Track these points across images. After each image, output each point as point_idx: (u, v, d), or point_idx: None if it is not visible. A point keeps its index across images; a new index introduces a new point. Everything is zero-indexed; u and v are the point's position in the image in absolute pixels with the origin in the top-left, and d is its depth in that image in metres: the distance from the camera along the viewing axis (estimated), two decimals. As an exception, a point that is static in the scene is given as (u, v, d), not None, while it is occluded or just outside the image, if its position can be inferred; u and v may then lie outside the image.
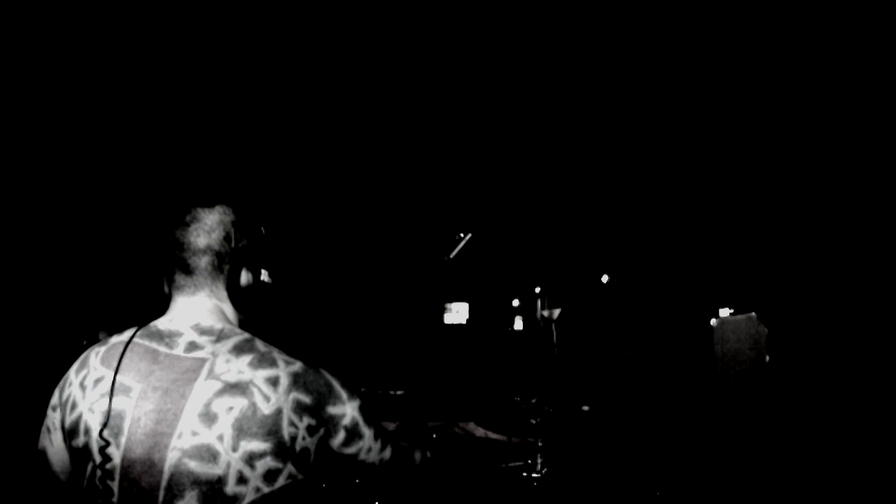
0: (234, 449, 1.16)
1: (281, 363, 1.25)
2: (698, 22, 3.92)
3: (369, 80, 4.41)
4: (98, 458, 1.21)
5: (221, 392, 1.19)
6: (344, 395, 1.30)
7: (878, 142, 4.07)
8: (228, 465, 1.16)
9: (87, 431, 1.23)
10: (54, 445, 1.33)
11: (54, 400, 1.35)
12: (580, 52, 4.22)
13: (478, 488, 2.80)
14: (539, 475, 2.83)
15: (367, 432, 1.32)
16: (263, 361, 1.24)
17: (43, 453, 1.35)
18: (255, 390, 1.20)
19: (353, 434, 1.30)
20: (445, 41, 4.16)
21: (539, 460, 2.85)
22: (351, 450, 1.31)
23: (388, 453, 1.38)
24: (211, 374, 1.22)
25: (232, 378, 1.21)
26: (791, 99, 4.25)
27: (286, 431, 1.20)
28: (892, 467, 3.19)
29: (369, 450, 1.33)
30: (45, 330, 3.78)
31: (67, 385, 1.32)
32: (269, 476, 1.18)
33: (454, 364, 5.27)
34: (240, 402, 1.19)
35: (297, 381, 1.24)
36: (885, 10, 3.56)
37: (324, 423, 1.26)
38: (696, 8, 3.83)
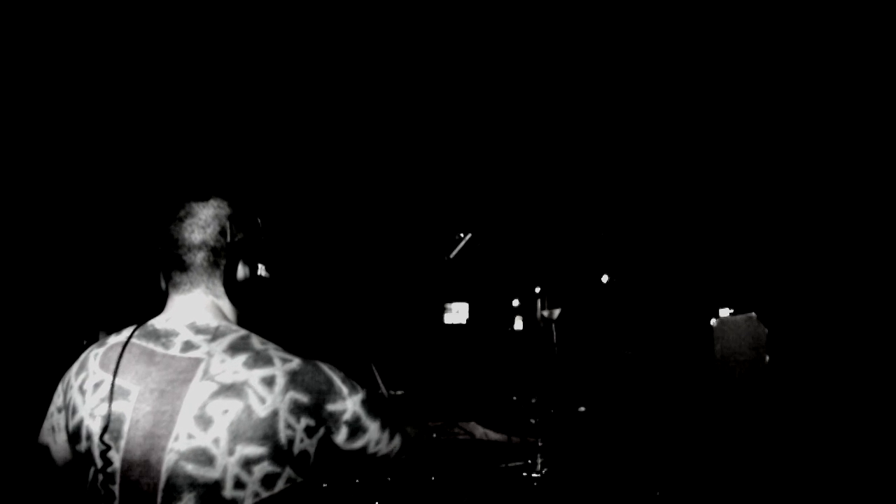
0: (231, 453, 1.15)
1: (277, 361, 1.23)
2: (698, 22, 3.92)
3: (369, 78, 4.40)
4: (99, 463, 1.20)
5: (216, 394, 1.17)
6: (344, 390, 1.27)
7: (878, 142, 4.06)
8: (225, 470, 1.14)
9: (88, 437, 1.23)
10: (57, 444, 1.34)
11: (58, 402, 1.34)
12: (580, 52, 4.21)
13: (478, 488, 2.80)
14: (539, 475, 2.82)
15: (372, 425, 1.30)
16: (259, 360, 1.22)
17: (46, 449, 1.35)
18: (249, 392, 1.18)
19: (356, 429, 1.28)
20: (445, 41, 4.15)
21: (539, 460, 2.85)
22: (357, 444, 1.29)
23: (397, 442, 1.36)
24: (206, 375, 1.20)
25: (227, 379, 1.19)
26: (791, 99, 4.25)
27: (283, 434, 1.17)
28: (892, 467, 3.19)
29: (378, 442, 1.31)
30: (45, 330, 3.78)
31: (69, 388, 1.31)
32: (268, 481, 1.16)
33: (454, 364, 5.27)
34: (234, 405, 1.16)
35: (294, 380, 1.21)
36: (885, 10, 3.55)
37: (323, 422, 1.23)
38: (695, 8, 3.83)
